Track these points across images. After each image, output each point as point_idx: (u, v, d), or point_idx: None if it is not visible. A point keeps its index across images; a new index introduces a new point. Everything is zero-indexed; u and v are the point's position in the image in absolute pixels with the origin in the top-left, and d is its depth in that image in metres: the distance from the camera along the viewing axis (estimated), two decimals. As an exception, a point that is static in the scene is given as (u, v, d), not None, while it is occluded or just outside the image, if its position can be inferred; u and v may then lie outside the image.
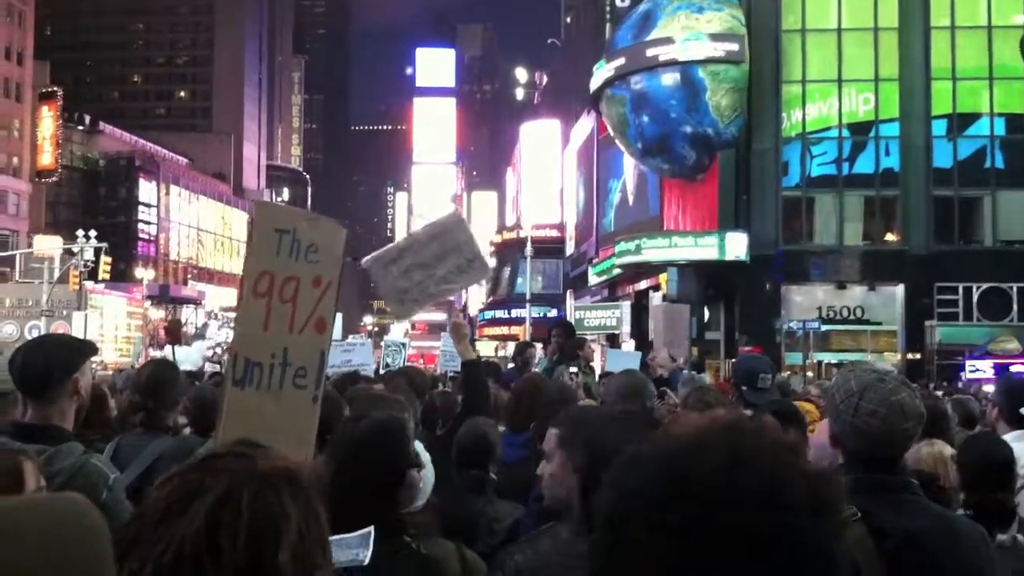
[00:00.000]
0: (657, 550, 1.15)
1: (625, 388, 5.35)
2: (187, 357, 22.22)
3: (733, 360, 26.12)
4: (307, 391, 2.86)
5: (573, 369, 9.38)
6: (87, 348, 3.91)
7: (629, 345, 37.84)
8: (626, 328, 40.86)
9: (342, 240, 3.02)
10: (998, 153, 36.62)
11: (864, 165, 37.14)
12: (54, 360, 3.64)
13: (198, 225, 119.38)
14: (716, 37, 36.34)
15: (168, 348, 34.09)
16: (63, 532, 1.22)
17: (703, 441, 1.23)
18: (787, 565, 1.13)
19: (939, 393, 11.82)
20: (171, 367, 5.21)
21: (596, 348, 18.28)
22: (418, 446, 3.75)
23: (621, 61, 38.99)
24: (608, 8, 51.78)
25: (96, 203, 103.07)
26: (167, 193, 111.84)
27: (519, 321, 49.86)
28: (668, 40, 36.90)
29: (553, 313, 52.78)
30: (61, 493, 1.30)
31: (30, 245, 62.24)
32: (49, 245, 55.43)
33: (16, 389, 3.71)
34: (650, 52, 37.35)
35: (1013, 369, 24.35)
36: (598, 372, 11.72)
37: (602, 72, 40.34)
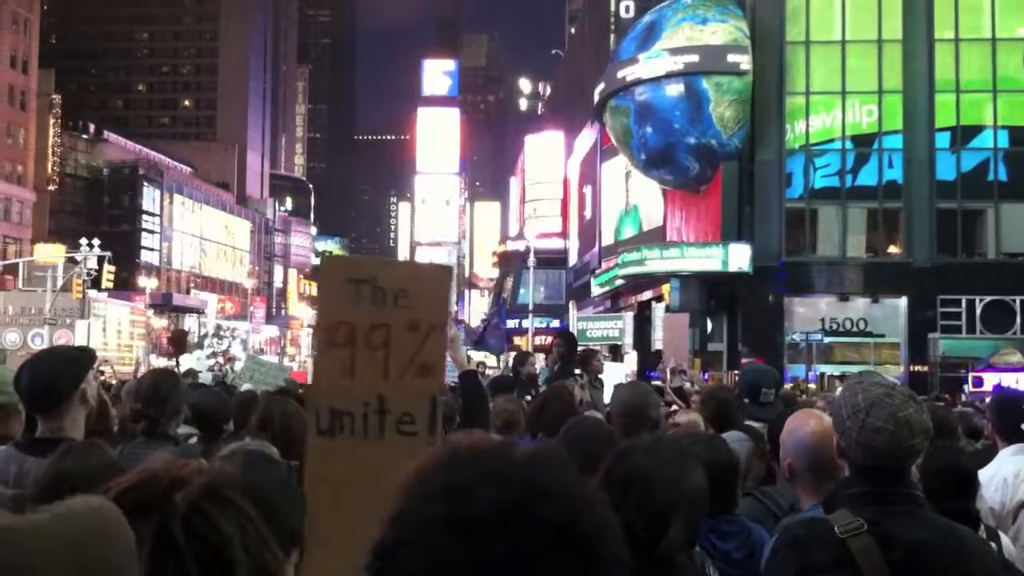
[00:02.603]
0: None
1: (631, 398, 5.34)
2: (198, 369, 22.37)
3: (736, 372, 26.16)
4: (418, 437, 2.79)
5: (578, 371, 9.36)
6: (88, 356, 3.93)
7: (632, 356, 37.85)
8: (628, 339, 40.83)
9: (444, 282, 2.95)
10: (1001, 166, 36.61)
11: (867, 177, 37.13)
12: (60, 375, 3.66)
13: (201, 234, 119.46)
14: (675, 51, 37.07)
15: (174, 359, 34.16)
16: (88, 543, 1.22)
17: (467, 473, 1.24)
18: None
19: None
20: (172, 376, 5.21)
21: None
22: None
23: (602, 86, 40.77)
24: (612, 19, 51.92)
25: (99, 211, 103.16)
26: (170, 202, 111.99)
27: (521, 331, 49.89)
28: (634, 60, 38.24)
29: (556, 324, 52.79)
30: (83, 501, 1.30)
31: (33, 253, 62.30)
32: (52, 253, 55.49)
33: (18, 403, 3.73)
34: (620, 73, 39.17)
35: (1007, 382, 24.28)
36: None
37: (596, 94, 42.07)
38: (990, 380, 26.25)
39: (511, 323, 54.07)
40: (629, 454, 2.80)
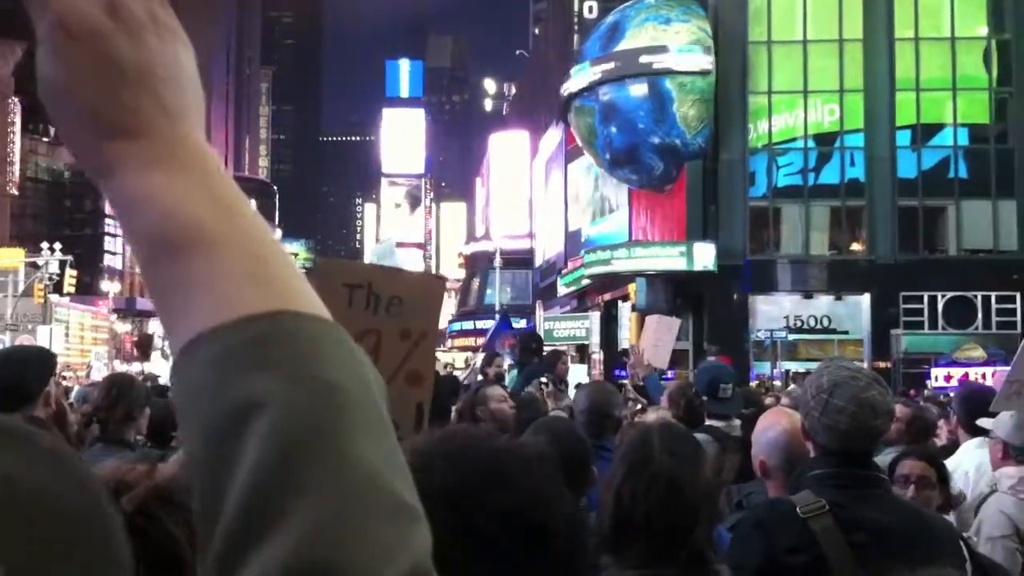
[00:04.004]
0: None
1: (594, 397, 5.34)
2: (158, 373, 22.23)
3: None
4: (402, 443, 2.76)
5: (544, 379, 9.33)
6: (52, 358, 3.91)
7: (598, 355, 37.93)
8: (595, 339, 40.90)
9: (437, 292, 2.93)
10: (962, 163, 36.97)
11: (830, 175, 37.41)
12: (28, 376, 3.63)
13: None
14: (596, 60, 38.54)
15: (139, 364, 33.76)
16: None
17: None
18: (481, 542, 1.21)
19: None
20: (126, 380, 5.13)
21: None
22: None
23: (565, 87, 41.71)
24: (576, 19, 52.06)
25: (61, 215, 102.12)
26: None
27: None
28: (567, 76, 40.87)
29: (523, 323, 52.81)
30: None
31: (-6, 258, 61.52)
32: (12, 258, 54.82)
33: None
34: (562, 88, 41.63)
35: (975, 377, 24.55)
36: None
37: (561, 94, 42.89)
38: (941, 375, 26.58)
39: (478, 324, 54.10)
40: (649, 455, 2.53)
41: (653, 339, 10.48)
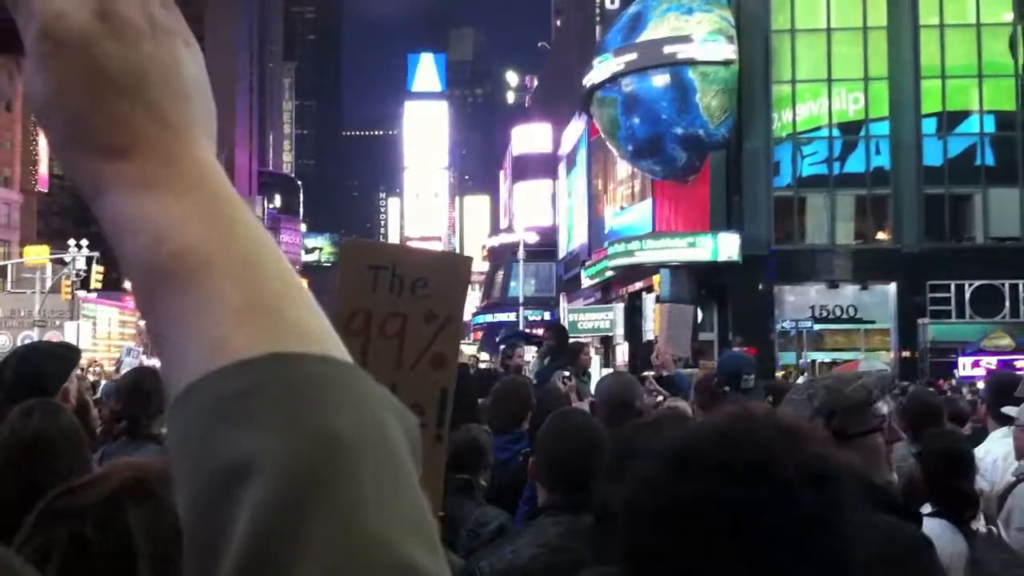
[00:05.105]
0: (668, 529, 1.25)
1: (615, 388, 5.33)
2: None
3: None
4: (426, 429, 2.73)
5: (566, 373, 9.33)
6: (74, 354, 3.91)
7: (623, 347, 37.85)
8: (619, 330, 40.83)
9: (463, 272, 2.88)
10: (988, 150, 36.68)
11: (855, 164, 37.20)
12: (46, 372, 3.63)
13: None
14: (619, 51, 38.42)
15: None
16: None
17: (701, 428, 1.37)
18: (780, 533, 1.21)
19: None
20: (153, 374, 5.16)
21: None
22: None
23: (587, 78, 41.42)
24: (598, 11, 51.85)
25: (87, 212, 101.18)
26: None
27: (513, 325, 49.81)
28: (590, 67, 40.65)
29: (547, 316, 52.79)
30: None
31: (22, 255, 62.06)
32: (39, 255, 55.28)
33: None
34: (585, 80, 41.34)
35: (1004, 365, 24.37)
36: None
37: (583, 86, 42.64)
38: (968, 363, 26.42)
39: (502, 316, 54.12)
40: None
41: (668, 327, 10.46)
